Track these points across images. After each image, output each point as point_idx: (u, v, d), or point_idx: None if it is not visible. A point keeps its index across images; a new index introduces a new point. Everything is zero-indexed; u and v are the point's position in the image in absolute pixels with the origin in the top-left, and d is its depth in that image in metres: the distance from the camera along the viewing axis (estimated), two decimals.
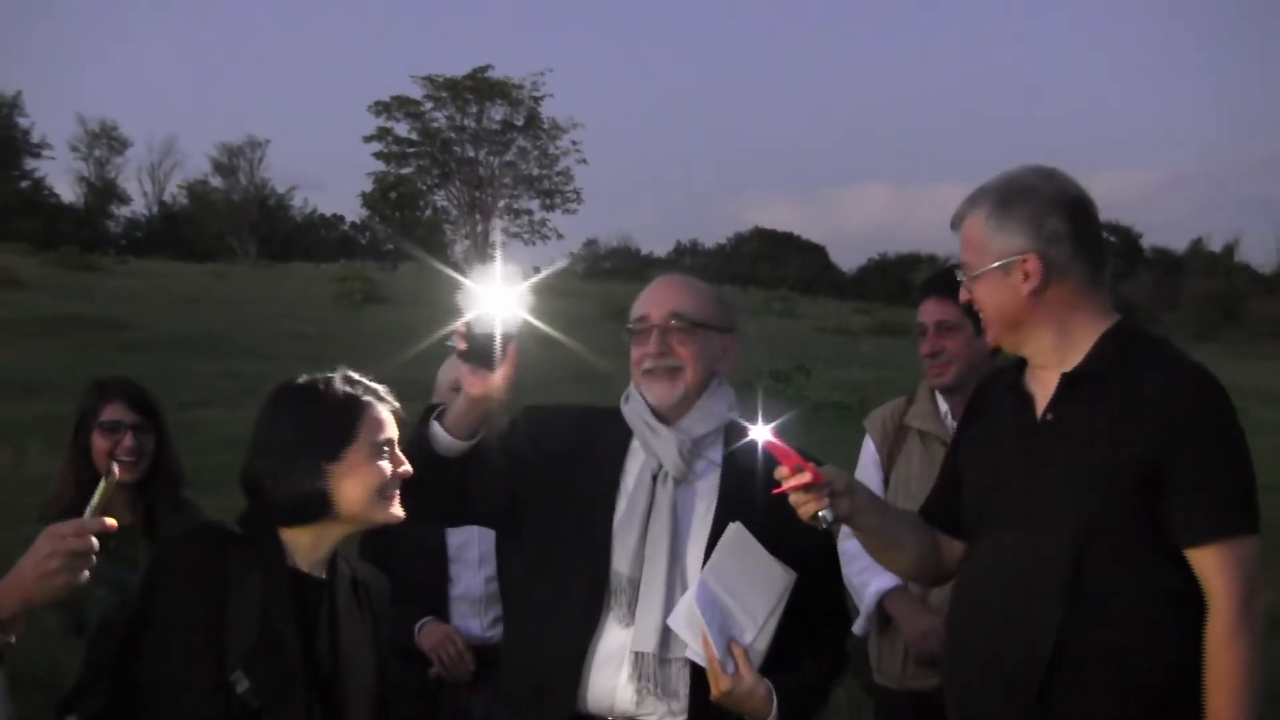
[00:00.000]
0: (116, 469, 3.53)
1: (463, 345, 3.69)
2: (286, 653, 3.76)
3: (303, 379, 3.94)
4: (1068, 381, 3.79)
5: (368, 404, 3.86)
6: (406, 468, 3.88)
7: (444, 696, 5.63)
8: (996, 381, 4.16)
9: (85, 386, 5.62)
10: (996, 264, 3.80)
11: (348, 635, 3.95)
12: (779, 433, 3.64)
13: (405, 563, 5.48)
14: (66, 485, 5.39)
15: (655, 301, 4.15)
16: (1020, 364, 4.00)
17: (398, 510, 3.89)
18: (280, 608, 3.80)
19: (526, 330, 3.73)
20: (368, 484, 3.82)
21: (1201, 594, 3.62)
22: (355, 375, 3.95)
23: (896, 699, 5.59)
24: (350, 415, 3.84)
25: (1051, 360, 3.85)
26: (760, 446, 3.64)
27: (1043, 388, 3.87)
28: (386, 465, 3.85)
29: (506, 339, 3.68)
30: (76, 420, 5.41)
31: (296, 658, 3.78)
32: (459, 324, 3.68)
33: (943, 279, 5.19)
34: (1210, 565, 3.60)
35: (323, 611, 3.91)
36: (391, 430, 3.88)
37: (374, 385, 3.94)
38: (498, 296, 3.64)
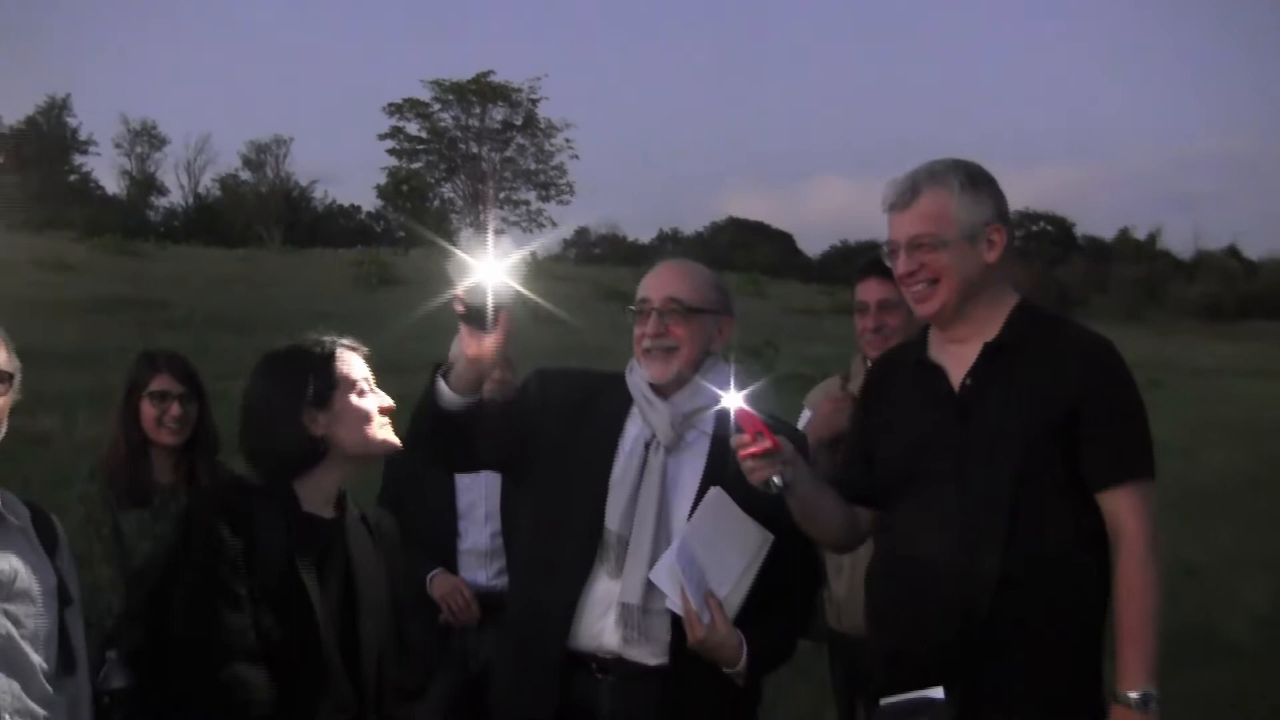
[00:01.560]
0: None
1: (460, 308, 3.71)
2: (305, 590, 3.80)
3: (282, 346, 4.02)
4: (991, 350, 3.83)
5: (340, 353, 3.96)
6: (388, 401, 3.99)
7: (453, 640, 5.68)
8: (894, 360, 4.23)
9: (133, 359, 5.64)
10: (967, 234, 3.81)
11: (361, 568, 3.99)
12: (750, 400, 3.64)
13: (418, 520, 5.54)
14: (117, 448, 5.42)
15: (656, 286, 4.16)
16: (921, 343, 4.03)
17: (391, 437, 3.98)
18: (302, 550, 3.84)
19: (521, 303, 3.74)
20: (358, 420, 3.92)
21: (1104, 531, 3.74)
22: (322, 336, 4.03)
23: (849, 642, 5.59)
24: (328, 366, 3.92)
25: (973, 333, 3.89)
26: (732, 413, 3.64)
27: (955, 359, 3.91)
28: (370, 400, 3.94)
29: (499, 307, 3.70)
30: (126, 389, 5.44)
31: (316, 594, 3.82)
32: (457, 290, 3.70)
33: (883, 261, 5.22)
34: (1122, 505, 3.71)
35: (337, 546, 3.95)
36: (365, 370, 3.98)
37: (340, 339, 4.03)
38: (489, 268, 3.66)
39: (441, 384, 3.91)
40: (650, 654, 3.99)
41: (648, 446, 4.11)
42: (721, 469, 4.00)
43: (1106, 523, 3.75)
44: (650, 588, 3.94)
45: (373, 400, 3.98)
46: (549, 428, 4.16)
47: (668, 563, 3.91)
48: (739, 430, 3.63)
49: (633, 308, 4.20)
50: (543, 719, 4.03)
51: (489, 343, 3.76)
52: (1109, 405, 3.76)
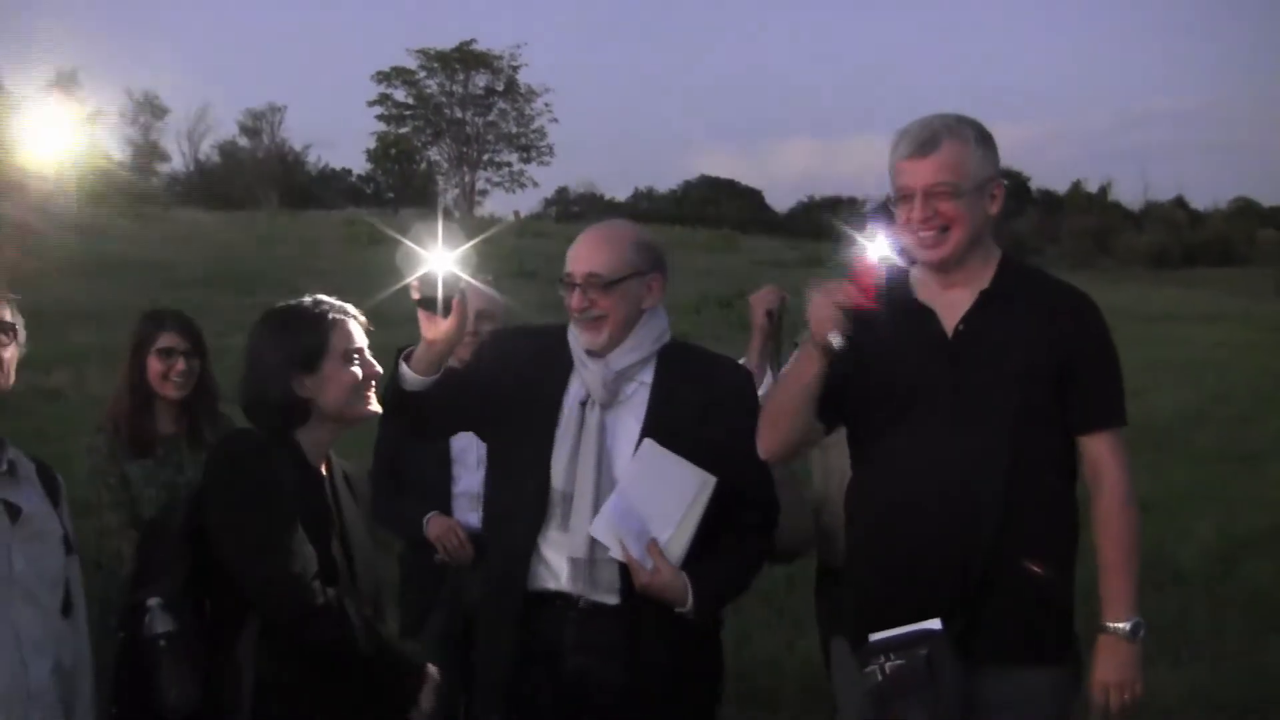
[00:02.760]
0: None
1: (415, 295, 3.77)
2: (329, 539, 3.86)
3: (280, 305, 4.02)
4: (985, 298, 3.85)
5: (336, 320, 3.95)
6: (377, 368, 3.98)
7: (448, 578, 5.70)
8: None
9: (140, 316, 5.68)
10: (978, 186, 3.84)
11: (350, 520, 4.03)
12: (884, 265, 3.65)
13: (414, 465, 5.58)
14: (122, 400, 5.54)
15: (576, 260, 4.18)
16: (904, 286, 3.98)
17: (375, 406, 3.99)
18: (313, 502, 3.87)
19: (465, 287, 3.80)
20: (343, 386, 3.92)
21: (1076, 471, 3.85)
22: (324, 298, 4.02)
23: (839, 575, 5.55)
24: (321, 330, 3.91)
25: (967, 279, 3.90)
26: (880, 263, 3.63)
27: (948, 305, 3.91)
28: (358, 369, 3.93)
29: (451, 294, 3.75)
30: (133, 345, 5.53)
31: (336, 542, 3.89)
32: (412, 279, 3.77)
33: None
34: (1103, 448, 3.80)
35: (329, 503, 3.97)
36: (359, 339, 3.97)
37: (341, 303, 4.02)
38: (439, 258, 3.74)
39: (404, 367, 3.94)
40: (606, 596, 4.06)
41: (583, 405, 4.15)
42: (661, 418, 4.09)
43: (1086, 465, 3.84)
44: (595, 540, 4.00)
45: (359, 369, 3.96)
46: (502, 387, 4.21)
47: (605, 516, 3.99)
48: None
49: (561, 278, 4.20)
50: (507, 654, 4.12)
51: (444, 326, 3.80)
52: (1095, 354, 3.85)
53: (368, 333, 4.03)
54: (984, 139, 3.90)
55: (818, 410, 3.96)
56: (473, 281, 3.85)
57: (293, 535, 3.69)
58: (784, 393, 3.98)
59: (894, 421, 3.94)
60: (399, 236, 3.81)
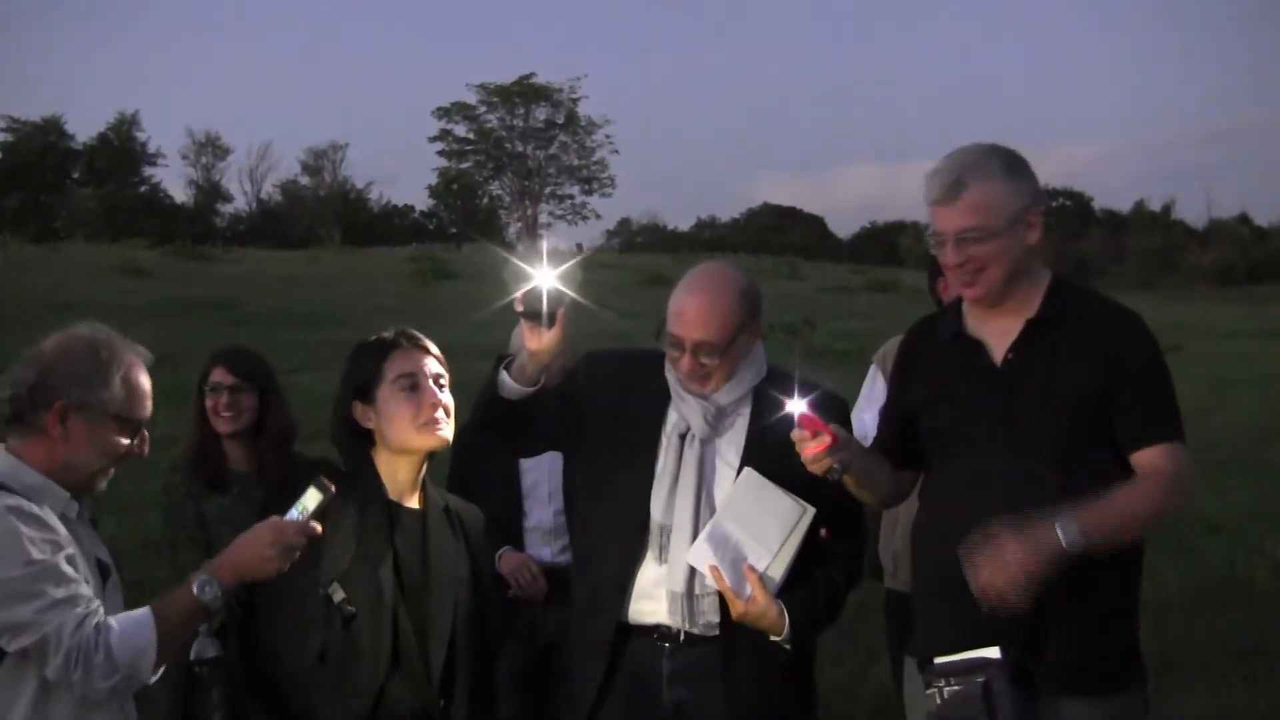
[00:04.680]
0: (330, 484, 3.65)
1: (519, 307, 3.76)
2: (377, 569, 3.84)
3: (368, 338, 4.07)
4: (1033, 326, 3.82)
5: (395, 348, 3.99)
6: (441, 398, 3.99)
7: (521, 614, 5.68)
8: (929, 333, 4.19)
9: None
10: (1011, 221, 3.78)
11: (437, 554, 4.01)
12: (812, 406, 3.70)
13: (486, 500, 5.59)
14: (192, 439, 5.58)
15: (686, 324, 4.09)
16: (955, 316, 4.01)
17: (436, 437, 3.99)
18: (375, 531, 3.89)
19: (575, 295, 3.81)
20: (401, 417, 3.94)
21: None
22: (407, 330, 4.07)
23: (906, 599, 5.57)
24: (377, 360, 3.96)
25: (1014, 309, 3.87)
26: (795, 417, 3.69)
27: (997, 334, 3.90)
28: (415, 399, 3.94)
29: (557, 304, 3.75)
30: (197, 384, 5.54)
31: (387, 573, 3.86)
32: (518, 293, 3.76)
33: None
34: (1153, 455, 3.74)
35: (415, 533, 3.98)
36: (415, 366, 3.99)
37: (411, 331, 4.06)
38: (543, 273, 3.74)
39: (504, 375, 3.93)
40: (704, 629, 4.06)
41: (683, 438, 4.15)
42: (759, 449, 4.07)
43: (1139, 472, 3.75)
44: (696, 572, 4.01)
45: (419, 398, 3.97)
46: (598, 411, 4.21)
47: (702, 543, 3.98)
48: (800, 429, 3.67)
49: (665, 334, 4.19)
50: (598, 685, 4.09)
51: (548, 337, 3.79)
52: (1141, 372, 3.79)
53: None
54: (1013, 169, 3.83)
55: (896, 464, 4.10)
56: (575, 297, 3.84)
57: (284, 585, 3.71)
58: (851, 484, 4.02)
59: (951, 454, 3.97)
60: (517, 262, 3.81)
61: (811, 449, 3.68)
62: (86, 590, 3.44)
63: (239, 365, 5.58)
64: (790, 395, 3.74)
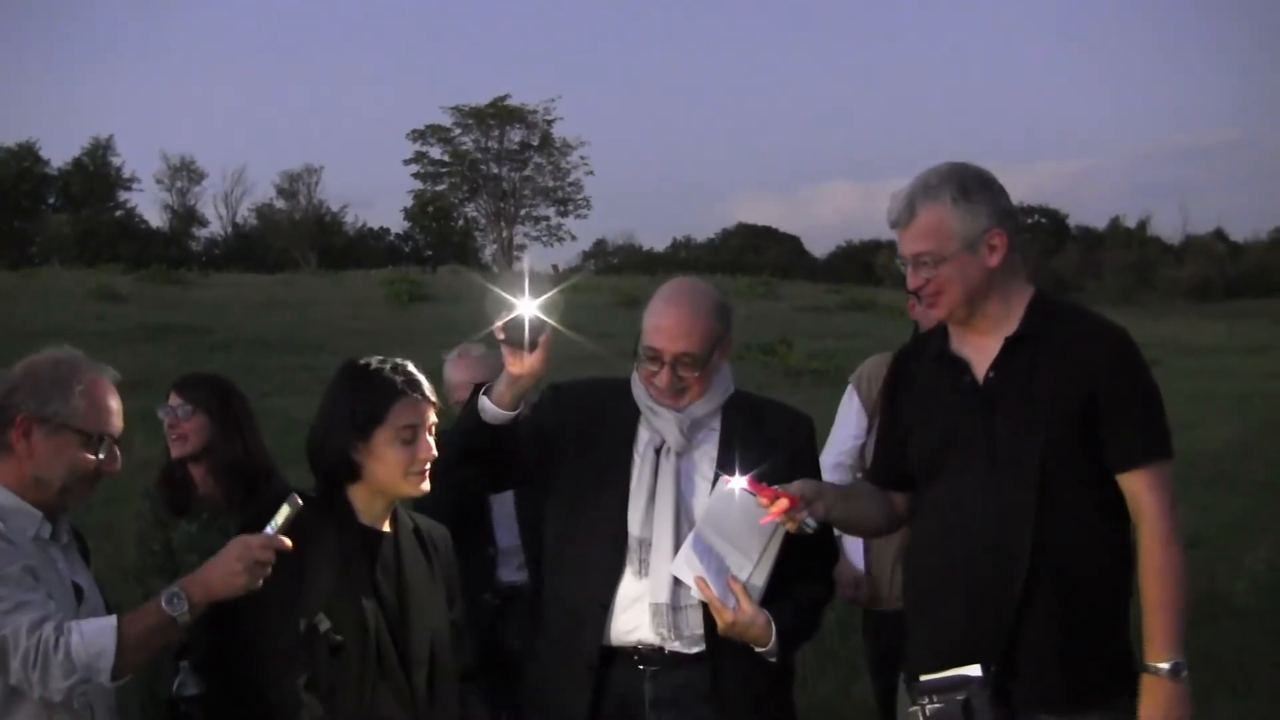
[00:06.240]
0: (299, 499, 3.65)
1: (500, 334, 3.76)
2: (360, 596, 3.83)
3: (362, 361, 4.02)
4: (1011, 343, 3.81)
5: (400, 394, 3.95)
6: (431, 452, 3.98)
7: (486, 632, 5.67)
8: (915, 353, 4.22)
9: None
10: (966, 244, 3.79)
11: (413, 577, 4.01)
12: (754, 479, 3.78)
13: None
14: (162, 466, 5.59)
15: (664, 337, 4.10)
16: (942, 336, 4.02)
17: (420, 488, 4.00)
18: (355, 558, 3.88)
19: (547, 326, 3.81)
20: (392, 464, 3.93)
21: (1125, 510, 3.76)
22: (405, 365, 4.02)
23: (884, 618, 5.63)
24: (381, 403, 3.92)
25: (992, 326, 3.87)
26: (737, 493, 3.79)
27: (978, 352, 3.90)
28: (411, 450, 3.93)
29: (538, 330, 3.75)
30: None
31: (370, 600, 3.85)
32: (498, 321, 3.76)
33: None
34: (1142, 485, 3.72)
35: (390, 558, 3.98)
36: (419, 418, 3.97)
37: (417, 376, 4.02)
38: (524, 303, 3.75)
39: (485, 400, 3.92)
40: (687, 645, 4.04)
41: (658, 452, 4.15)
42: (732, 462, 4.02)
43: (1128, 502, 3.76)
44: (678, 584, 4.00)
45: (416, 450, 3.97)
46: (566, 440, 4.20)
47: (685, 555, 3.97)
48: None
49: (641, 348, 4.18)
50: (577, 711, 4.06)
51: (529, 362, 3.79)
52: (1126, 389, 3.77)
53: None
54: (967, 193, 3.81)
55: (895, 486, 4.17)
56: (557, 326, 3.83)
57: (263, 614, 3.71)
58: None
59: (937, 470, 3.97)
60: (499, 290, 3.81)
61: (771, 516, 3.76)
62: (44, 599, 3.46)
63: (188, 390, 5.53)
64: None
